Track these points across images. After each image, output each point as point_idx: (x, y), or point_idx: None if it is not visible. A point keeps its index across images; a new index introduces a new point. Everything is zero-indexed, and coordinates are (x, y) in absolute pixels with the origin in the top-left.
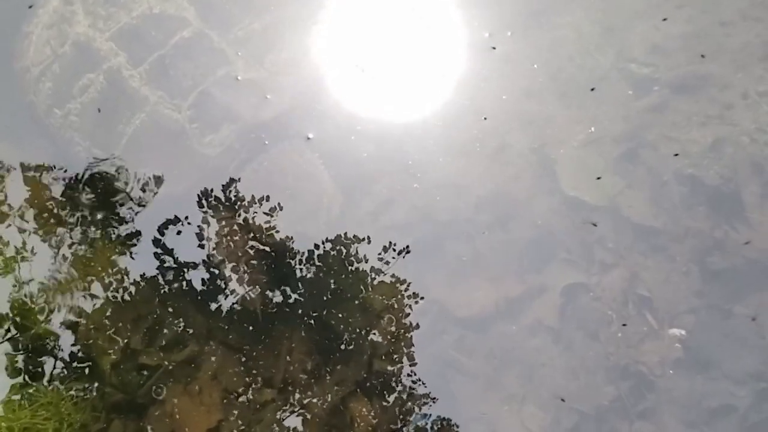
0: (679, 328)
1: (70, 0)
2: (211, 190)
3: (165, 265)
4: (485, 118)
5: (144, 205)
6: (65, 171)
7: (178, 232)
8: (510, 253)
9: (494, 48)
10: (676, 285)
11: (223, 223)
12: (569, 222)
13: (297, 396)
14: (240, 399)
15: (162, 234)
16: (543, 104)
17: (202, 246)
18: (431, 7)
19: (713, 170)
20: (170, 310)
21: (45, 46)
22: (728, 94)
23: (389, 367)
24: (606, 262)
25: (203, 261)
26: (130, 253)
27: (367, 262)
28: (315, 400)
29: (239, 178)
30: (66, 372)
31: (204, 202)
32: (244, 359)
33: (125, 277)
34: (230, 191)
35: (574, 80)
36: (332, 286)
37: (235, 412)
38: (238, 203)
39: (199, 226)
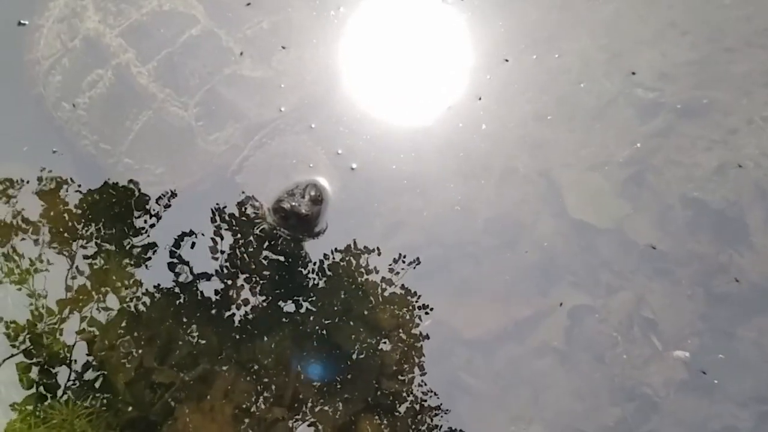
0: (683, 350)
1: None
2: (224, 207)
3: (179, 277)
4: (480, 98)
5: (159, 217)
6: (79, 185)
7: (192, 245)
8: (517, 275)
9: (507, 60)
10: (681, 308)
11: (238, 236)
12: (575, 245)
13: (309, 406)
14: (253, 414)
15: (177, 246)
16: (550, 128)
17: (215, 258)
18: (439, 31)
19: (718, 194)
20: (184, 320)
21: (55, 39)
22: (733, 119)
23: (400, 378)
24: (612, 284)
25: (216, 272)
26: (145, 264)
27: (377, 272)
28: (326, 408)
29: (252, 195)
30: (79, 383)
31: (217, 217)
32: (257, 373)
33: (139, 288)
34: (244, 207)
35: (582, 105)
36: (342, 296)
37: (248, 428)
38: (251, 217)
39: (212, 239)
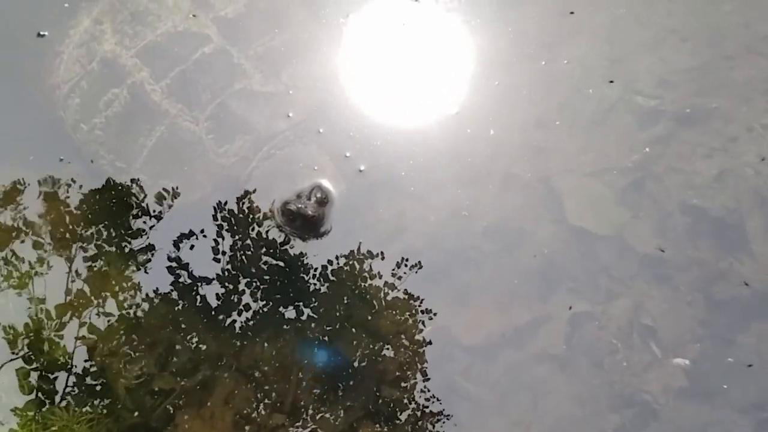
0: (683, 357)
1: (100, 20)
2: (225, 203)
3: (179, 280)
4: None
5: (160, 218)
6: (81, 186)
7: (192, 247)
8: (516, 281)
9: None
10: (680, 315)
11: (238, 236)
12: (575, 251)
13: (310, 413)
14: (253, 421)
15: (177, 248)
16: (550, 135)
17: (217, 260)
18: (442, 37)
19: (718, 201)
20: (183, 326)
21: (74, 63)
22: (733, 126)
23: (402, 384)
24: (611, 291)
25: (217, 276)
26: (145, 268)
27: (380, 277)
28: (328, 416)
29: (254, 190)
30: (79, 389)
31: (218, 215)
32: (258, 380)
33: (138, 292)
34: (244, 204)
35: (582, 111)
36: (345, 301)
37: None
38: (252, 216)
39: (214, 239)
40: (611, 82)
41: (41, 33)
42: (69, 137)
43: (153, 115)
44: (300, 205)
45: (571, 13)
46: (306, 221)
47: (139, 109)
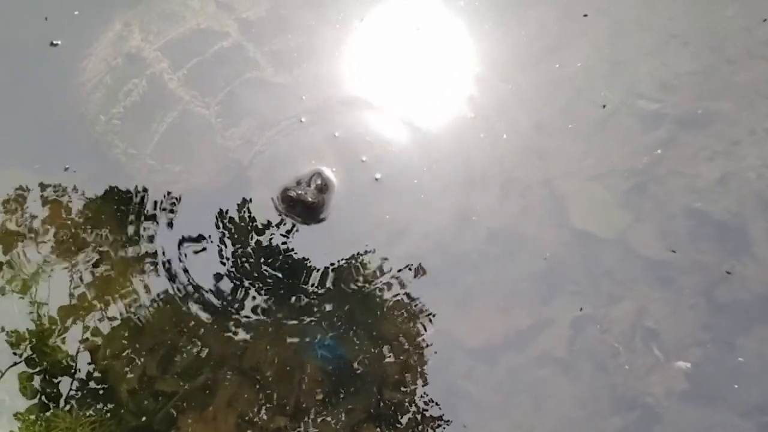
0: (685, 360)
1: (129, 22)
2: (227, 212)
3: (182, 282)
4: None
5: (159, 222)
6: (83, 193)
7: (195, 251)
8: (519, 285)
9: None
10: (683, 318)
11: (239, 244)
12: (577, 255)
13: (312, 416)
14: (255, 423)
15: (179, 251)
16: (553, 139)
17: (222, 264)
18: (446, 43)
19: (720, 205)
20: (186, 330)
21: (101, 62)
22: (735, 130)
23: (403, 388)
24: (614, 294)
25: (220, 278)
26: (149, 271)
27: (383, 281)
28: (329, 419)
29: (251, 199)
30: (82, 393)
31: (220, 223)
32: (260, 383)
33: (143, 296)
34: (244, 211)
35: (584, 115)
36: (347, 305)
37: None
38: (253, 223)
39: (219, 247)
40: (604, 107)
41: (54, 42)
42: (87, 132)
43: (167, 101)
44: (300, 192)
45: (585, 15)
46: (306, 207)
47: (156, 97)
